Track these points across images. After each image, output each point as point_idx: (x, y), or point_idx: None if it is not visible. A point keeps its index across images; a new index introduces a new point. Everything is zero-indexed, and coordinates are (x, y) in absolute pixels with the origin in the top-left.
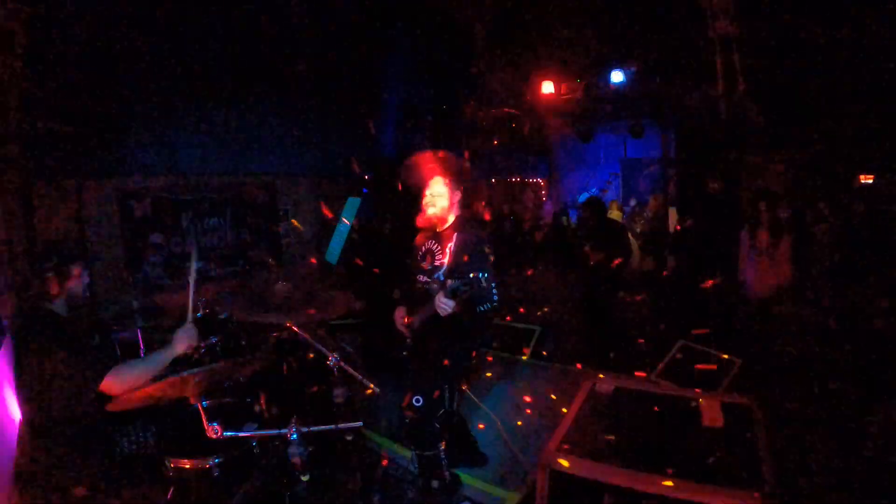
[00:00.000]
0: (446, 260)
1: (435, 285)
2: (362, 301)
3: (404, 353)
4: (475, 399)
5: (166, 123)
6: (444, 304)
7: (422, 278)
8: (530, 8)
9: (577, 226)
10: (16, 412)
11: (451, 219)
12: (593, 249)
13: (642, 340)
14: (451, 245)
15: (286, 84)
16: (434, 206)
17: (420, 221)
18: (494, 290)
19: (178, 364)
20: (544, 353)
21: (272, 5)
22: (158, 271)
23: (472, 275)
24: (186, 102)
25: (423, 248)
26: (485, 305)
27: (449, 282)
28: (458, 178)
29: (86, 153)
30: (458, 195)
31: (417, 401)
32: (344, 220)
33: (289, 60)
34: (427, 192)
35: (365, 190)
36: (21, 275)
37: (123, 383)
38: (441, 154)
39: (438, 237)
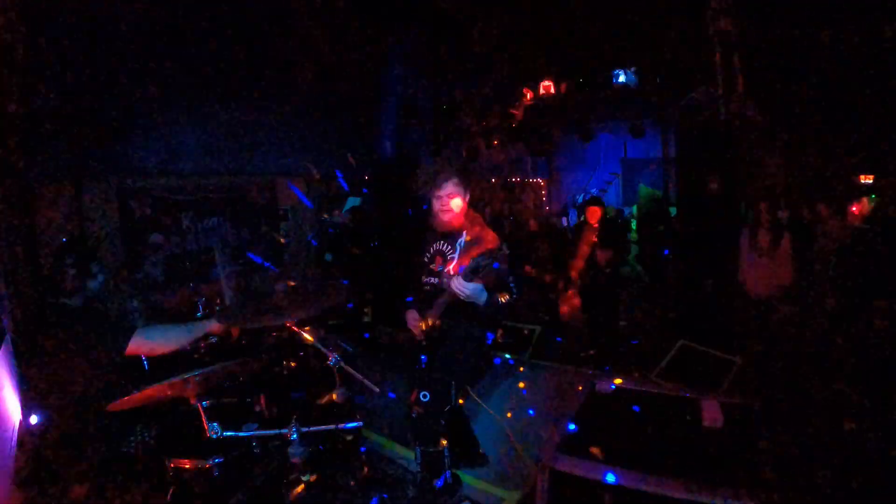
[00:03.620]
0: (457, 257)
1: (447, 279)
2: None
3: (417, 353)
4: (478, 399)
5: (166, 123)
6: (461, 286)
7: (431, 279)
8: (531, 8)
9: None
10: (16, 412)
11: (461, 220)
12: (601, 248)
13: (638, 341)
14: (461, 242)
15: (286, 84)
16: (451, 210)
17: (439, 226)
18: (512, 283)
19: (179, 364)
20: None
21: (273, 5)
22: (158, 271)
23: (487, 254)
24: (186, 102)
25: (433, 249)
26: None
27: (468, 262)
28: (467, 181)
29: (86, 153)
30: (467, 196)
31: (424, 396)
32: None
33: (289, 60)
34: (443, 197)
35: (365, 190)
36: (21, 275)
37: (152, 343)
38: (449, 158)
39: (448, 238)
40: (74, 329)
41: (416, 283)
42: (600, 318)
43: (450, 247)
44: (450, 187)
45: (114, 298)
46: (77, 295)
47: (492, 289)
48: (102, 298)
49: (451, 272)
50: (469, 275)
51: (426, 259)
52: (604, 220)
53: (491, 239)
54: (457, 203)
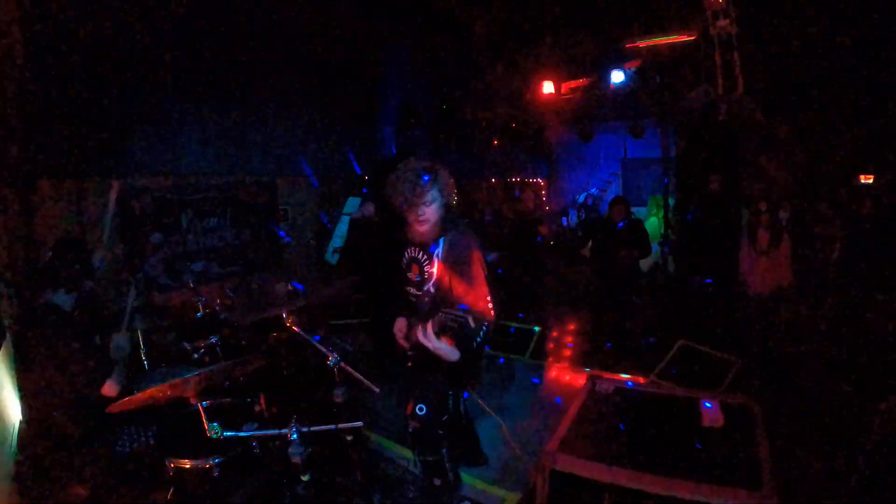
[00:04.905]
0: (435, 270)
1: (426, 299)
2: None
3: (409, 364)
4: (480, 402)
5: (166, 123)
6: (430, 342)
7: (411, 290)
8: (530, 8)
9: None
10: (16, 412)
11: (437, 228)
12: (625, 248)
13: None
14: (438, 252)
15: (286, 84)
16: (428, 220)
17: (413, 236)
18: (490, 305)
19: (180, 365)
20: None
21: (273, 4)
22: (158, 271)
23: (460, 314)
24: (186, 102)
25: (407, 257)
26: (484, 327)
27: (438, 316)
28: (447, 187)
29: (86, 153)
30: (445, 201)
31: (421, 409)
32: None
33: (289, 60)
34: (420, 207)
35: (365, 190)
36: (21, 275)
37: (121, 387)
38: (429, 165)
39: (422, 245)
40: (68, 330)
41: (399, 292)
42: (613, 315)
43: (424, 255)
44: (427, 196)
45: (114, 299)
46: (72, 295)
47: (458, 344)
48: (92, 299)
49: (429, 296)
50: (438, 331)
51: (403, 266)
52: (629, 219)
53: (476, 258)
54: (432, 212)
